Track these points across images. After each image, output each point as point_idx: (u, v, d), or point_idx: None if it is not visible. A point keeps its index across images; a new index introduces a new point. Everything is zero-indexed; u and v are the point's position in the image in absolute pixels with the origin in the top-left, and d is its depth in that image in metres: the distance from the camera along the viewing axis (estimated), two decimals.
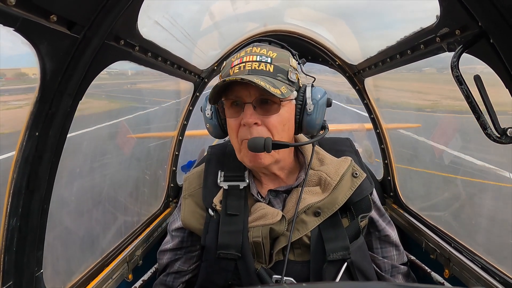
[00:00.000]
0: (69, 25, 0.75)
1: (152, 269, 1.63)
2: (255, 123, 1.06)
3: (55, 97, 0.82)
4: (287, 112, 1.10)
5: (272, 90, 1.00)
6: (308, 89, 1.14)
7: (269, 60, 1.08)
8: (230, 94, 1.07)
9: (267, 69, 1.07)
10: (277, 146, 1.09)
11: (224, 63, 1.16)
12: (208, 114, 1.19)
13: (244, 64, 1.08)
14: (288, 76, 1.09)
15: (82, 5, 0.75)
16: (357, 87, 2.01)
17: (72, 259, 1.50)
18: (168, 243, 1.34)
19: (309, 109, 1.12)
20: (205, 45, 1.99)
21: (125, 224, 1.78)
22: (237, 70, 1.08)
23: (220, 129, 1.20)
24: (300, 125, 1.15)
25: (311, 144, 1.22)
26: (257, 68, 1.07)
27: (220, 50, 2.04)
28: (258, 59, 1.08)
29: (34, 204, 0.86)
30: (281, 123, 1.09)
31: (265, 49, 1.11)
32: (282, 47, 1.22)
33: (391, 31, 1.54)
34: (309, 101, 1.12)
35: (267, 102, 1.07)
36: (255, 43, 1.17)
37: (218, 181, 1.21)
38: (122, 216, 1.86)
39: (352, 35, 1.90)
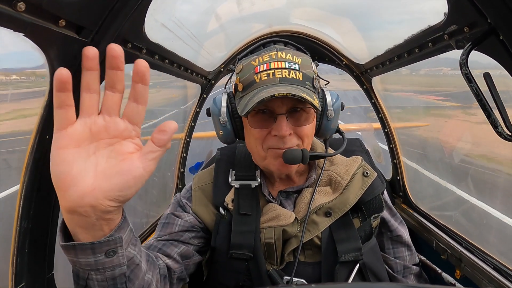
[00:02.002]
0: (78, 29, 0.76)
1: None
2: (289, 134, 1.04)
3: None
4: (314, 119, 1.09)
5: (315, 103, 0.98)
6: (328, 94, 1.13)
7: (297, 67, 1.04)
8: (260, 104, 0.99)
9: (297, 77, 1.03)
10: (314, 157, 1.10)
11: (241, 66, 1.08)
12: (223, 121, 1.10)
13: (273, 71, 1.02)
14: (314, 83, 1.06)
15: (90, 9, 0.76)
16: (364, 87, 2.00)
17: None
18: (183, 212, 1.20)
19: (330, 115, 1.11)
20: (211, 46, 1.99)
21: (134, 226, 1.79)
22: (266, 78, 1.02)
23: (233, 135, 1.14)
24: (318, 130, 1.14)
25: (322, 145, 1.24)
26: (287, 76, 1.02)
27: (226, 52, 2.05)
28: (287, 66, 1.03)
29: (45, 207, 0.88)
30: (311, 131, 1.09)
31: (289, 53, 1.06)
32: (298, 49, 1.16)
33: (398, 29, 1.53)
34: (330, 107, 1.11)
35: (298, 111, 1.04)
36: (277, 46, 1.11)
37: (230, 179, 1.20)
38: (131, 217, 1.87)
39: (358, 34, 1.89)
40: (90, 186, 0.59)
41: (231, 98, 1.11)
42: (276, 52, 1.06)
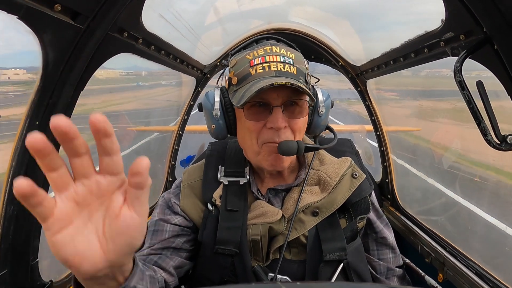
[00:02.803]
0: (73, 15, 0.75)
1: None
2: (284, 127, 1.04)
3: (56, 87, 0.82)
4: (307, 113, 1.10)
5: (310, 95, 1.00)
6: (319, 91, 1.15)
7: (291, 62, 1.05)
8: (256, 96, 0.99)
9: (291, 71, 1.04)
10: (309, 149, 1.12)
11: (235, 60, 1.09)
12: (216, 115, 1.10)
13: (268, 64, 1.03)
14: (306, 78, 1.08)
15: None
16: (359, 89, 2.01)
17: None
18: (170, 215, 1.20)
19: (322, 111, 1.14)
20: (209, 40, 1.98)
21: None
22: (261, 71, 1.03)
23: (226, 131, 1.13)
24: (309, 126, 1.16)
25: (312, 142, 1.25)
26: (282, 69, 1.03)
27: (223, 46, 2.04)
28: (281, 60, 1.04)
29: None
30: (304, 125, 1.10)
31: (283, 48, 1.08)
32: (290, 46, 1.17)
33: (396, 33, 1.54)
34: (321, 103, 1.13)
35: (292, 105, 1.05)
36: (271, 41, 1.13)
37: (218, 176, 1.20)
38: None
39: (356, 36, 1.90)
40: (100, 254, 0.55)
41: (224, 92, 1.11)
42: (270, 47, 1.07)
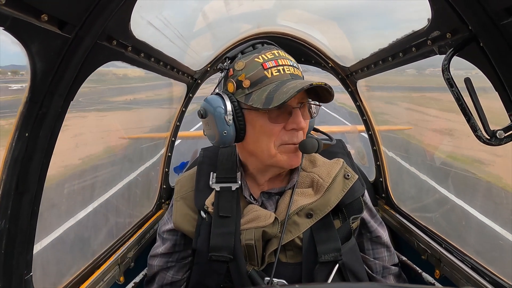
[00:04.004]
0: (61, 24, 0.74)
1: (144, 272, 1.62)
2: None
3: (45, 98, 0.81)
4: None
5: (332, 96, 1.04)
6: None
7: (296, 65, 1.10)
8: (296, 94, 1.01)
9: (299, 74, 1.09)
10: (325, 146, 1.17)
11: (243, 63, 1.07)
12: (230, 120, 1.06)
13: (282, 67, 1.06)
14: None
15: (74, 4, 0.74)
16: (349, 89, 2.02)
17: (63, 261, 1.48)
18: (159, 247, 1.30)
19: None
20: (198, 46, 1.98)
21: (117, 225, 1.77)
22: (277, 73, 1.04)
23: (235, 136, 1.09)
24: None
25: None
26: (293, 72, 1.07)
27: (213, 51, 2.04)
28: (291, 63, 1.08)
29: (23, 206, 0.85)
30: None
31: (284, 53, 1.12)
32: None
33: (384, 33, 1.56)
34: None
35: (303, 107, 1.08)
36: (270, 46, 1.15)
37: (210, 182, 1.20)
38: (114, 217, 1.85)
39: (344, 37, 1.92)
40: None
41: (231, 96, 1.08)
42: (277, 50, 1.10)
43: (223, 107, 1.06)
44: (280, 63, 1.06)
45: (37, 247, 0.95)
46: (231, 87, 1.09)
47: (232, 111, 1.06)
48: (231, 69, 1.10)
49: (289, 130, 1.06)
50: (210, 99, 1.09)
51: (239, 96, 1.07)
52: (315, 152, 1.11)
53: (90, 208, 1.74)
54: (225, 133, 1.06)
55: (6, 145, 0.79)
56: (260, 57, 1.07)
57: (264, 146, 1.08)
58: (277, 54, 1.08)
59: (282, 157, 1.08)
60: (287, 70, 1.05)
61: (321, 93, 1.06)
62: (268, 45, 1.16)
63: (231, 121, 1.06)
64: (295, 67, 1.09)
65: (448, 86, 0.91)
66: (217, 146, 1.14)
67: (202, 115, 1.10)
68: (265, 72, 1.04)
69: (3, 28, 0.63)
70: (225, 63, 1.13)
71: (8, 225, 0.82)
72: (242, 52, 1.14)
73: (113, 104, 2.62)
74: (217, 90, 1.15)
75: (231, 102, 1.07)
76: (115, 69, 1.94)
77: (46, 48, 0.75)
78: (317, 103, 1.12)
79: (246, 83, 1.05)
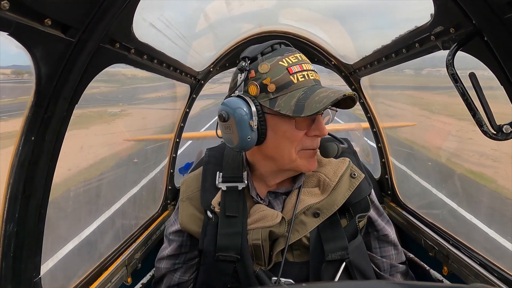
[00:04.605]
0: (64, 28, 0.74)
1: (151, 272, 1.62)
2: None
3: (50, 101, 0.81)
4: None
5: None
6: None
7: (315, 70, 1.11)
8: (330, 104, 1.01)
9: (319, 79, 1.10)
10: (342, 149, 1.20)
11: (267, 66, 1.04)
12: (255, 125, 1.03)
13: (306, 72, 1.06)
14: None
15: (76, 8, 0.74)
16: (353, 87, 2.02)
17: (71, 263, 1.49)
18: (166, 249, 1.30)
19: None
20: (201, 46, 1.98)
21: (123, 227, 1.78)
22: (303, 79, 1.04)
23: (256, 140, 1.07)
24: None
25: None
26: (316, 78, 1.08)
27: (215, 52, 2.04)
28: (312, 68, 1.09)
29: (31, 209, 0.86)
30: None
31: (304, 56, 1.12)
32: None
33: (386, 30, 1.55)
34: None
35: (321, 113, 1.09)
36: (288, 47, 1.12)
37: (217, 182, 1.20)
38: (120, 220, 1.86)
39: (347, 35, 1.91)
40: None
41: (254, 100, 1.04)
42: (299, 54, 1.09)
43: (248, 112, 1.02)
44: (305, 68, 1.06)
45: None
46: (253, 90, 1.05)
47: (257, 117, 1.03)
48: (253, 71, 1.06)
49: (311, 136, 1.07)
50: (232, 102, 1.04)
51: (263, 100, 1.04)
52: (334, 157, 1.16)
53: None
54: (248, 138, 1.03)
55: (12, 149, 0.80)
56: (284, 60, 1.05)
57: (286, 151, 1.07)
58: (300, 59, 1.07)
59: (302, 161, 1.09)
60: (311, 76, 1.06)
61: (342, 100, 1.03)
62: (287, 47, 1.13)
63: (256, 126, 1.03)
64: (316, 72, 1.10)
65: (452, 81, 0.90)
66: (237, 150, 1.10)
67: (224, 118, 1.04)
68: (291, 77, 1.03)
69: (7, 33, 0.64)
70: (245, 64, 1.07)
71: (16, 229, 0.83)
72: (262, 53, 1.09)
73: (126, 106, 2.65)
74: (237, 92, 1.08)
75: (255, 106, 1.03)
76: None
77: (50, 52, 0.75)
78: (335, 109, 1.13)
79: (272, 88, 1.03)
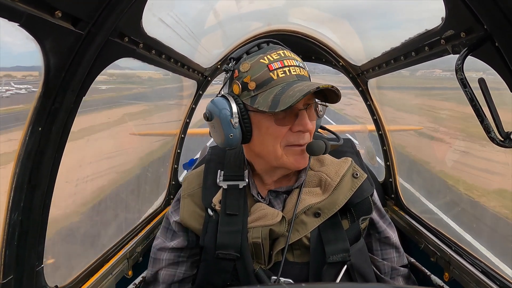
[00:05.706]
0: (74, 21, 0.75)
1: None
2: None
3: (58, 93, 0.82)
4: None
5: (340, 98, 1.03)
6: None
7: (302, 65, 1.08)
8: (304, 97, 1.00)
9: (305, 74, 1.07)
10: (333, 147, 1.17)
11: (248, 65, 1.06)
12: (236, 122, 1.04)
13: (288, 68, 1.04)
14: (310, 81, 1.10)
15: (87, 1, 0.75)
16: (360, 88, 2.01)
17: (73, 254, 1.51)
18: (168, 240, 1.27)
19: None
20: (209, 43, 1.99)
21: (126, 220, 1.79)
22: (283, 75, 1.03)
23: (241, 138, 1.08)
24: None
25: None
26: (299, 73, 1.05)
27: (223, 49, 2.04)
28: (297, 64, 1.07)
29: (35, 199, 0.87)
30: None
31: (292, 53, 1.10)
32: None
33: (396, 32, 1.53)
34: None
35: (309, 108, 1.07)
36: (275, 46, 1.12)
37: (218, 180, 1.20)
38: (123, 213, 1.87)
39: (356, 36, 1.90)
40: None
41: (236, 99, 1.06)
42: (283, 51, 1.08)
43: (229, 110, 1.04)
44: (286, 64, 1.05)
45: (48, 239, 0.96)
46: (236, 89, 1.08)
47: (238, 113, 1.05)
48: (236, 71, 1.08)
49: (295, 131, 1.05)
50: (215, 101, 1.07)
51: (245, 98, 1.06)
52: (323, 154, 1.10)
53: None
54: (231, 136, 1.05)
55: (19, 139, 0.81)
56: (265, 58, 1.06)
57: (271, 148, 1.07)
58: (282, 55, 1.06)
59: (288, 158, 1.08)
60: (293, 71, 1.04)
61: (328, 94, 1.05)
62: (274, 45, 1.13)
63: (237, 124, 1.05)
64: (301, 67, 1.07)
65: (461, 86, 0.89)
66: (224, 147, 1.13)
67: (208, 117, 1.08)
68: (271, 73, 1.03)
69: (18, 24, 0.65)
70: (230, 64, 1.11)
71: (21, 218, 0.84)
72: (248, 53, 1.11)
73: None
74: (222, 92, 1.12)
75: (237, 104, 1.05)
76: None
77: (59, 44, 0.76)
78: (324, 103, 1.10)
79: (252, 85, 1.04)
